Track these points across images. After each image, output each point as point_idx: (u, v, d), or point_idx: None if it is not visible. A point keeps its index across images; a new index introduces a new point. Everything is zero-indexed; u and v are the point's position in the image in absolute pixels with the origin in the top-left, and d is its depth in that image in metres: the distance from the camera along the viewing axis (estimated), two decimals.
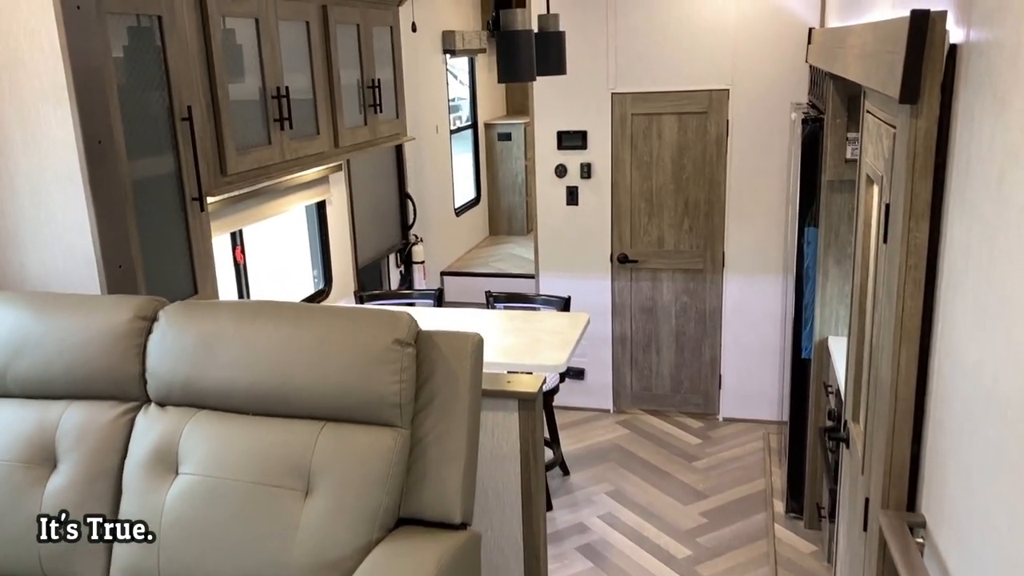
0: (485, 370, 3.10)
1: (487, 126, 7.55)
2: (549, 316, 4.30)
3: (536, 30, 3.85)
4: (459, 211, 6.89)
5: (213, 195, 2.82)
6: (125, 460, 1.88)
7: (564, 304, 4.45)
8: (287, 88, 3.17)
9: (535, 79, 3.22)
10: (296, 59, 3.34)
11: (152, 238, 2.50)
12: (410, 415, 1.81)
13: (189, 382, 1.87)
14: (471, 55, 7.06)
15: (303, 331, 1.83)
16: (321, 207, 4.51)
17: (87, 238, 2.20)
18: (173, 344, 1.89)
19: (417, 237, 5.78)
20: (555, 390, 4.36)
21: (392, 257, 5.59)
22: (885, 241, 2.05)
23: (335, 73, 3.58)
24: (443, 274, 6.43)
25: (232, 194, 3.23)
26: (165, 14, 2.51)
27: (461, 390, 1.85)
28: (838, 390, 3.42)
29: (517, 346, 3.82)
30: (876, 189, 2.36)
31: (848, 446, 2.76)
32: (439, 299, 4.65)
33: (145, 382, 1.94)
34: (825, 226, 3.71)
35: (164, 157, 2.55)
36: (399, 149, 5.59)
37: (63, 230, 2.21)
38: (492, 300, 4.59)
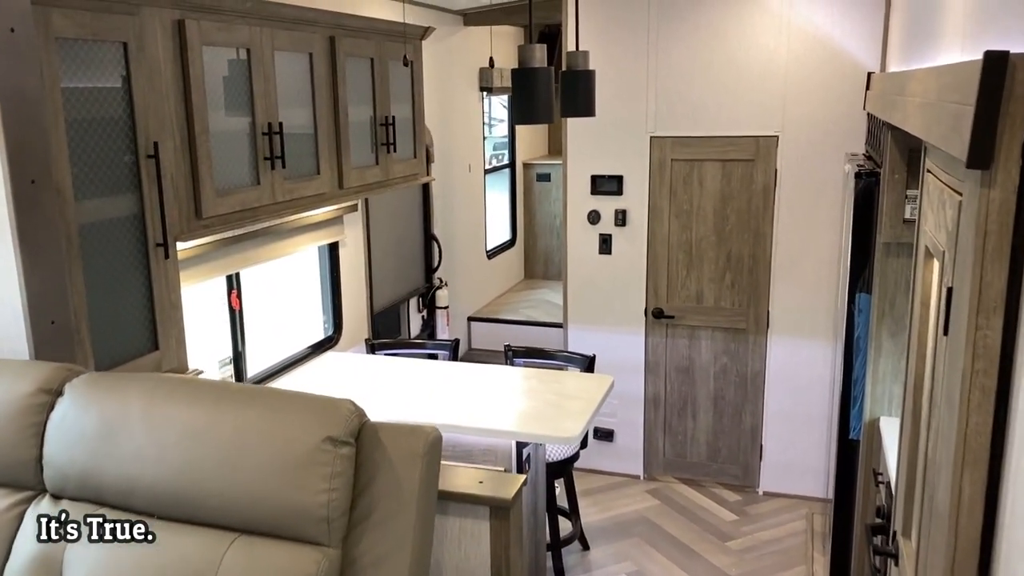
0: (490, 438, 2.74)
1: (526, 166, 7.26)
2: (570, 377, 3.94)
3: (564, 68, 3.56)
4: (491, 253, 6.59)
5: (185, 239, 2.55)
6: (7, 563, 1.58)
7: (588, 363, 4.09)
8: (280, 124, 2.91)
9: (552, 121, 2.91)
10: (297, 93, 3.08)
11: (103, 289, 2.24)
12: (342, 531, 1.49)
13: (86, 474, 1.58)
14: (510, 93, 6.79)
15: (220, 420, 1.52)
16: (334, 249, 4.24)
17: (13, 290, 1.94)
18: (73, 426, 1.60)
19: (441, 281, 5.49)
20: (574, 457, 3.98)
21: (414, 301, 5.30)
22: (946, 333, 1.66)
23: (341, 109, 3.32)
24: (470, 319, 6.11)
25: (214, 238, 2.97)
26: (132, 41, 2.27)
27: (408, 501, 1.51)
28: (889, 484, 2.99)
29: (529, 411, 3.46)
30: (936, 266, 1.97)
31: (897, 563, 2.34)
32: (455, 351, 4.33)
33: (42, 468, 1.65)
34: (879, 294, 3.29)
35: (123, 198, 2.29)
36: (425, 188, 5.32)
37: None
38: (511, 355, 4.25)
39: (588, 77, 3.52)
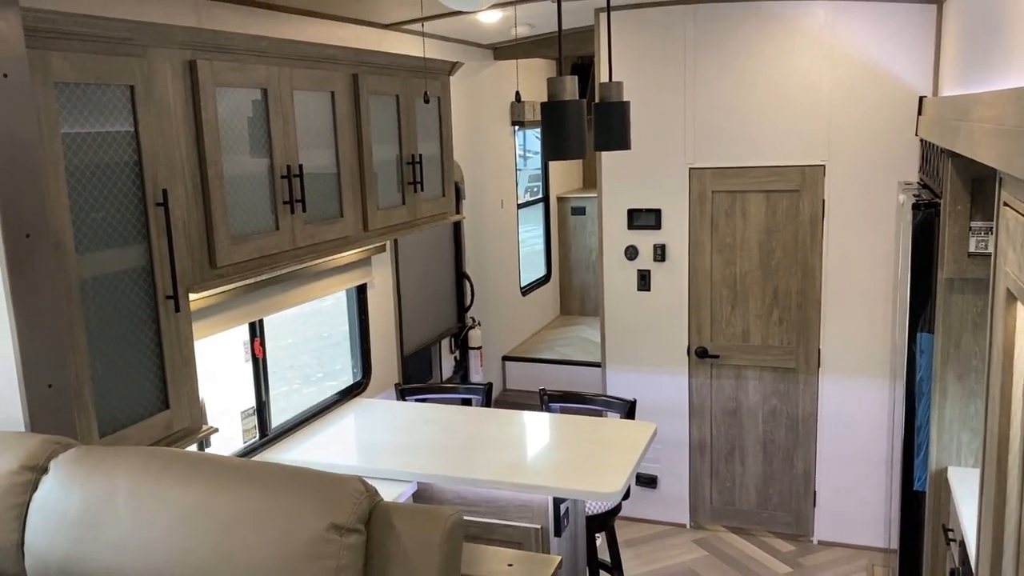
0: (525, 493, 2.58)
1: (560, 200, 7.10)
2: (610, 424, 3.72)
3: (597, 100, 3.40)
4: (526, 290, 6.41)
5: (198, 291, 2.41)
6: None
7: (628, 409, 3.87)
8: (300, 167, 2.78)
9: (584, 156, 2.74)
10: (318, 133, 2.95)
11: (108, 347, 2.10)
12: None
13: (67, 564, 1.41)
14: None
15: (213, 504, 1.35)
16: (362, 291, 4.10)
17: (7, 353, 1.80)
18: (55, 509, 1.45)
19: (474, 320, 5.32)
20: (617, 509, 3.75)
21: (446, 342, 5.13)
22: None
23: (365, 148, 3.19)
24: (505, 359, 5.92)
25: (231, 287, 2.83)
26: (139, 84, 2.15)
27: None
28: (963, 543, 2.72)
29: (566, 464, 3.25)
30: (1022, 310, 1.75)
31: None
32: (488, 395, 4.14)
33: (24, 555, 1.50)
34: (943, 333, 3.04)
35: (131, 248, 2.16)
36: (456, 226, 5.17)
37: None
38: (547, 400, 4.05)
39: (622, 109, 3.35)
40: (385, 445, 3.49)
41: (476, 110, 5.38)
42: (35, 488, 1.52)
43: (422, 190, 3.57)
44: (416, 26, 4.31)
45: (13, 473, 1.52)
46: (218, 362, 3.33)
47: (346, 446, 3.49)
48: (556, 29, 5.32)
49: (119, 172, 2.11)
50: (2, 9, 1.72)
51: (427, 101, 2.74)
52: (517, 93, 2.62)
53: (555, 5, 4.48)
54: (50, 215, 1.90)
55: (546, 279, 6.95)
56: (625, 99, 3.35)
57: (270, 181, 2.69)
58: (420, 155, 3.54)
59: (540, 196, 7.02)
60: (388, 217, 3.36)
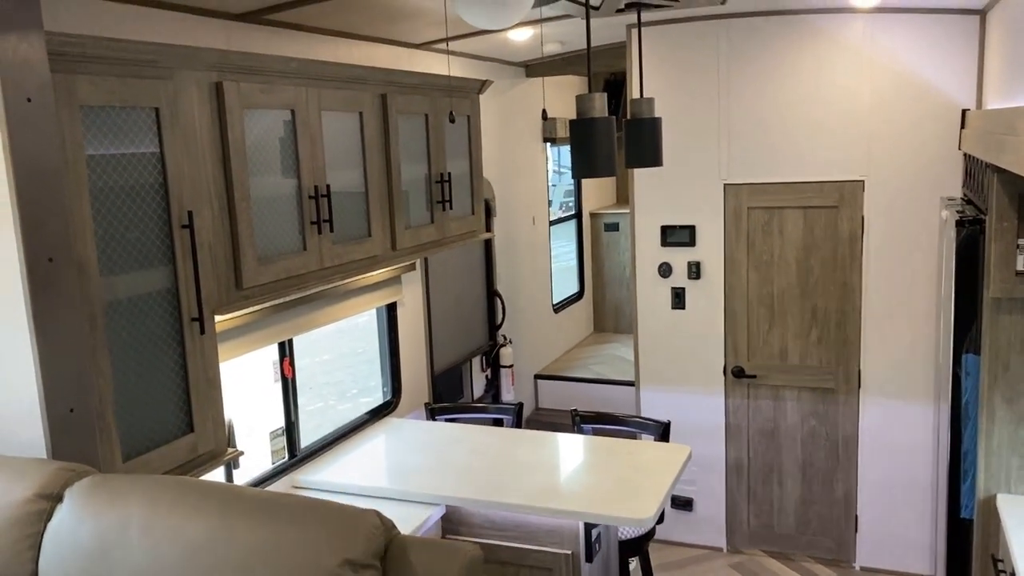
0: (556, 518, 2.55)
1: (593, 216, 7.04)
2: (643, 447, 3.64)
3: (628, 116, 3.35)
4: (558, 307, 6.35)
5: (224, 312, 2.40)
6: None
7: (663, 430, 3.79)
8: (328, 187, 2.76)
9: (615, 174, 2.68)
10: (346, 153, 2.94)
11: (132, 370, 2.09)
12: None
13: None
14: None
15: (226, 537, 1.32)
16: (391, 310, 4.08)
17: (29, 378, 1.79)
18: (67, 540, 1.43)
19: (505, 338, 5.27)
20: (650, 534, 3.66)
21: (477, 361, 5.09)
22: None
23: (394, 168, 3.17)
24: (537, 377, 5.86)
25: (258, 307, 2.82)
26: (164, 106, 2.14)
27: None
28: (1013, 574, 2.60)
29: (598, 488, 3.18)
30: None
31: None
32: (519, 415, 4.08)
33: None
34: (989, 355, 2.93)
35: (155, 271, 2.15)
36: (487, 243, 5.14)
37: (10, 367, 1.81)
38: (579, 420, 3.98)
39: (654, 125, 3.30)
40: (414, 466, 3.45)
41: (508, 127, 5.35)
42: (50, 517, 1.50)
43: (451, 208, 3.54)
44: (446, 45, 4.30)
45: (28, 501, 1.50)
46: (247, 382, 3.32)
47: (375, 467, 3.45)
48: (583, 47, 5.30)
49: (144, 194, 2.11)
50: (26, 33, 1.72)
51: (452, 120, 2.71)
52: (544, 111, 2.58)
53: (585, 22, 4.45)
54: (74, 238, 1.89)
55: (579, 296, 6.89)
56: (657, 115, 3.31)
57: (297, 201, 2.67)
58: (449, 173, 3.52)
59: (573, 212, 6.96)
60: (416, 236, 3.34)
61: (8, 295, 1.78)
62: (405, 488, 3.24)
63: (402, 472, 3.41)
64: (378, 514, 1.35)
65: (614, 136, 2.72)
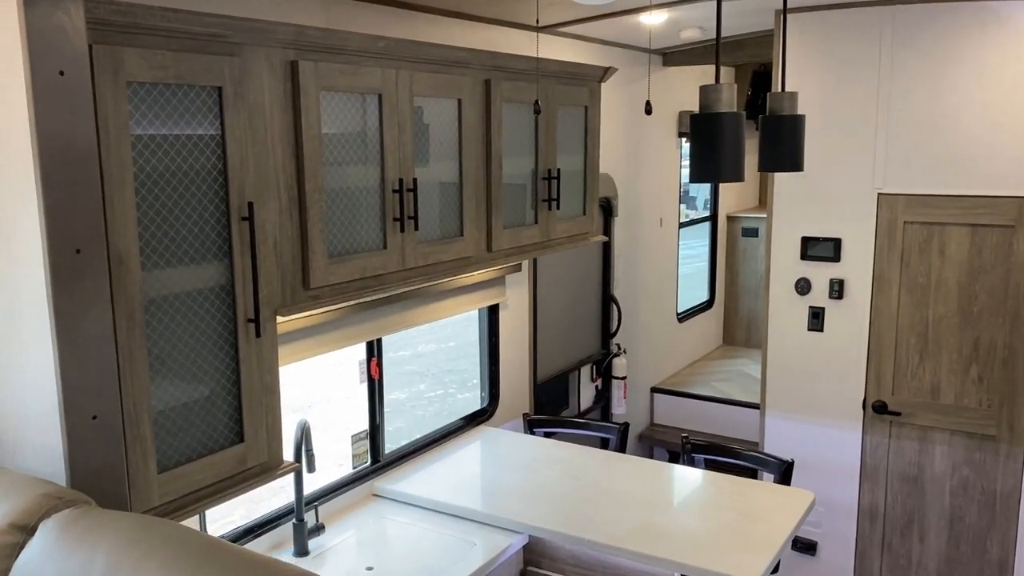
0: (649, 566, 2.28)
1: (730, 219, 6.53)
2: (759, 489, 3.22)
3: (767, 112, 2.93)
4: (683, 316, 5.91)
5: (287, 314, 2.20)
6: None
7: (784, 470, 3.35)
8: (415, 180, 2.51)
9: (741, 179, 2.30)
10: (440, 143, 2.69)
11: (175, 373, 1.91)
12: None
13: None
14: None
15: None
16: (493, 312, 3.82)
17: (49, 377, 1.63)
18: None
19: (620, 347, 4.91)
20: None
21: (587, 370, 4.76)
22: None
23: (494, 161, 2.89)
24: (653, 390, 5.46)
25: (336, 307, 2.62)
26: (228, 85, 1.95)
27: None
28: None
29: (701, 533, 2.81)
30: None
31: None
32: (623, 436, 3.73)
33: None
34: None
35: (208, 266, 1.96)
36: (606, 246, 4.79)
37: (32, 365, 1.66)
38: (689, 448, 3.59)
39: (795, 124, 2.86)
40: (501, 485, 3.18)
41: (639, 120, 4.98)
42: (20, 551, 1.32)
43: (558, 208, 3.23)
44: (571, 29, 3.98)
45: (3, 532, 1.33)
46: (332, 381, 3.15)
47: (459, 482, 3.21)
48: (731, 33, 4.84)
49: (199, 181, 1.92)
50: (61, 0, 1.55)
51: (537, 112, 2.39)
52: (647, 103, 2.22)
53: (728, 7, 4.01)
54: (113, 227, 1.72)
55: (708, 305, 6.42)
56: (799, 112, 2.87)
57: (380, 195, 2.44)
58: (558, 170, 3.21)
59: (707, 214, 6.49)
60: (516, 237, 3.05)
61: (29, 287, 1.62)
62: (488, 510, 2.99)
63: (487, 491, 3.16)
64: None
65: (743, 135, 2.34)
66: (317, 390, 7.88)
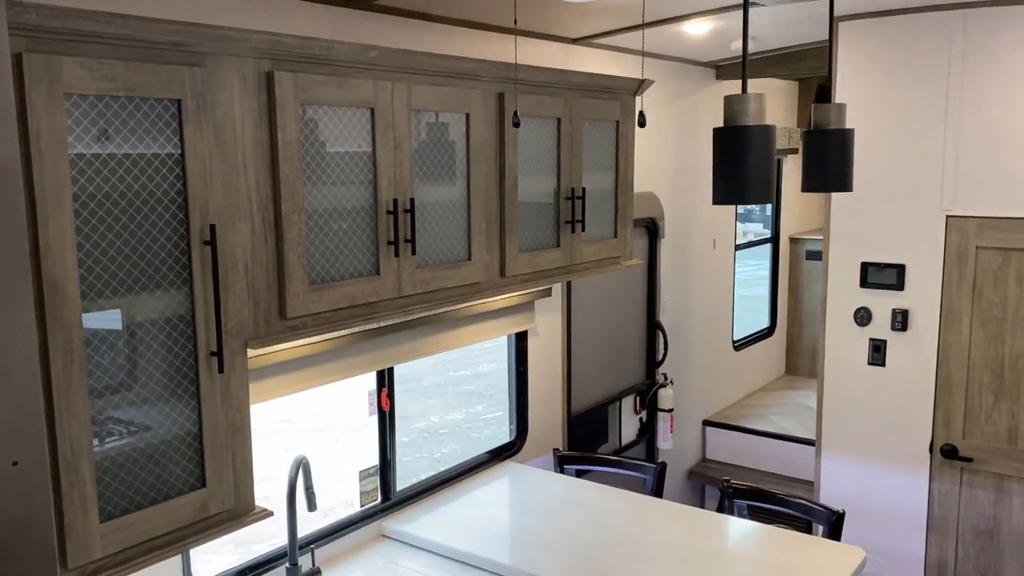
0: None
1: (793, 240, 6.16)
2: (803, 543, 2.90)
3: (810, 126, 2.64)
4: (740, 344, 5.56)
5: (262, 346, 2.01)
6: None
7: (834, 522, 3.01)
8: (412, 200, 2.32)
9: (770, 201, 2.04)
10: (442, 161, 2.49)
11: (121, 411, 1.75)
12: None
13: None
14: (777, 156, 5.80)
15: None
16: (521, 339, 3.59)
17: None
18: None
19: (666, 377, 4.61)
20: None
21: (630, 401, 4.48)
22: None
23: (508, 180, 2.68)
24: (705, 423, 5.14)
25: (342, 333, 2.43)
26: (189, 99, 1.78)
27: None
28: None
29: None
30: None
31: None
32: (660, 477, 3.44)
33: None
34: None
35: (163, 296, 1.80)
36: (651, 269, 4.52)
37: None
38: (730, 494, 3.28)
39: (843, 139, 2.57)
40: (520, 531, 2.94)
41: (689, 136, 4.71)
42: None
43: (583, 230, 2.99)
44: (611, 40, 3.75)
45: None
46: (338, 415, 2.97)
47: (476, 525, 2.99)
48: (787, 44, 4.53)
49: (154, 203, 1.76)
50: None
51: (516, 125, 2.16)
52: (640, 114, 1.98)
53: (781, 15, 3.72)
54: (46, 253, 1.57)
55: (769, 332, 6.04)
56: (848, 126, 2.58)
57: (372, 216, 2.25)
58: (583, 189, 2.97)
59: (767, 236, 6.13)
60: (534, 261, 2.82)
61: None
62: (501, 559, 2.75)
63: (502, 537, 2.92)
64: None
65: (772, 151, 2.07)
66: (337, 420, 7.70)
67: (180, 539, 1.87)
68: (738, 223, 5.56)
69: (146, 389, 1.79)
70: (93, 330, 1.68)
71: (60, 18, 1.56)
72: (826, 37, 4.03)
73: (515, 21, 2.64)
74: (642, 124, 1.90)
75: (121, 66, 1.67)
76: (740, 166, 2.06)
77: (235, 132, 1.91)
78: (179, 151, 1.79)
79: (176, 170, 1.79)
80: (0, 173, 1.45)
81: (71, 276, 1.62)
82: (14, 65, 1.52)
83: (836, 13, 3.66)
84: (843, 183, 2.60)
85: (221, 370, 1.89)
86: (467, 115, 2.52)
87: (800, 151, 3.74)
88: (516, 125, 2.13)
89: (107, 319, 1.71)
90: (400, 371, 3.08)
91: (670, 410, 4.58)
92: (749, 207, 8.69)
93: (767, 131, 2.04)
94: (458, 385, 10.17)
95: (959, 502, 3.66)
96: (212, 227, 1.84)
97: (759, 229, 6.25)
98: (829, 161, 2.59)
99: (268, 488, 2.95)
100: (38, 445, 1.56)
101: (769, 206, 6.16)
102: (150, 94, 1.72)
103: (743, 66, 2.09)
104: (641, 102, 3.11)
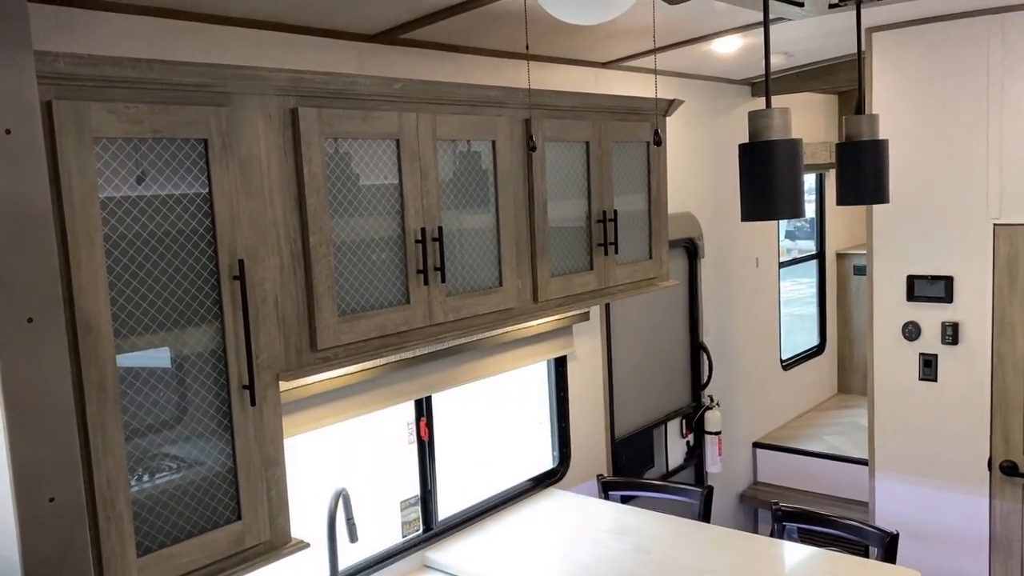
0: None
1: (839, 256, 6.03)
2: (855, 567, 2.81)
3: (843, 139, 2.60)
4: (788, 363, 5.45)
5: (293, 378, 2.04)
6: None
7: (888, 544, 2.91)
8: (440, 229, 2.33)
9: (800, 215, 2.00)
10: (469, 189, 2.50)
11: (156, 447, 1.78)
12: None
13: None
14: (819, 171, 5.71)
15: None
16: (560, 364, 3.57)
17: (2, 458, 1.52)
18: None
19: (712, 400, 4.54)
20: None
21: (676, 424, 4.42)
22: None
23: (538, 205, 2.68)
24: (756, 446, 5.03)
25: (378, 363, 2.45)
26: (215, 138, 1.83)
27: None
28: None
29: None
30: None
31: None
32: (707, 501, 3.38)
33: None
34: None
35: (194, 331, 1.83)
36: (692, 289, 4.46)
37: None
38: (780, 516, 3.20)
39: (877, 150, 2.53)
40: (561, 560, 2.91)
41: (725, 155, 4.66)
42: None
43: (616, 252, 2.98)
44: (640, 63, 3.74)
45: None
46: (376, 444, 2.99)
47: (516, 554, 2.96)
48: (821, 57, 4.47)
49: (183, 242, 1.80)
50: (8, 52, 1.46)
51: (532, 149, 2.16)
52: (656, 132, 1.95)
53: (814, 28, 3.68)
54: (79, 293, 1.62)
55: (819, 350, 5.91)
56: (881, 137, 2.54)
57: (401, 246, 2.27)
58: (615, 211, 2.96)
59: (813, 252, 6.02)
60: (568, 285, 2.81)
61: None
62: None
63: (549, 564, 2.89)
64: None
65: (799, 164, 2.04)
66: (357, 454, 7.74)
67: (217, 572, 1.89)
68: (788, 240, 5.48)
69: (180, 423, 1.82)
70: (127, 367, 1.72)
71: (88, 65, 1.62)
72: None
73: (527, 47, 2.65)
74: (658, 143, 1.89)
75: (147, 108, 1.72)
76: (767, 181, 2.03)
77: (261, 168, 1.95)
78: (207, 190, 1.84)
79: (204, 208, 1.84)
80: (33, 219, 1.51)
81: (104, 315, 1.66)
82: (44, 113, 1.58)
83: (869, 24, 3.61)
84: (879, 195, 2.55)
85: (253, 403, 1.92)
86: (493, 142, 2.53)
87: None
88: (532, 150, 2.14)
89: (140, 357, 1.75)
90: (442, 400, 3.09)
91: (718, 432, 4.50)
92: (798, 223, 8.55)
93: (793, 145, 2.01)
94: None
95: (1022, 520, 3.51)
96: (241, 262, 1.88)
97: (809, 246, 6.14)
98: (863, 173, 2.54)
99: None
100: (74, 481, 1.59)
101: (813, 221, 6.06)
102: (176, 135, 1.77)
103: (766, 81, 2.07)
104: (665, 123, 3.09)
